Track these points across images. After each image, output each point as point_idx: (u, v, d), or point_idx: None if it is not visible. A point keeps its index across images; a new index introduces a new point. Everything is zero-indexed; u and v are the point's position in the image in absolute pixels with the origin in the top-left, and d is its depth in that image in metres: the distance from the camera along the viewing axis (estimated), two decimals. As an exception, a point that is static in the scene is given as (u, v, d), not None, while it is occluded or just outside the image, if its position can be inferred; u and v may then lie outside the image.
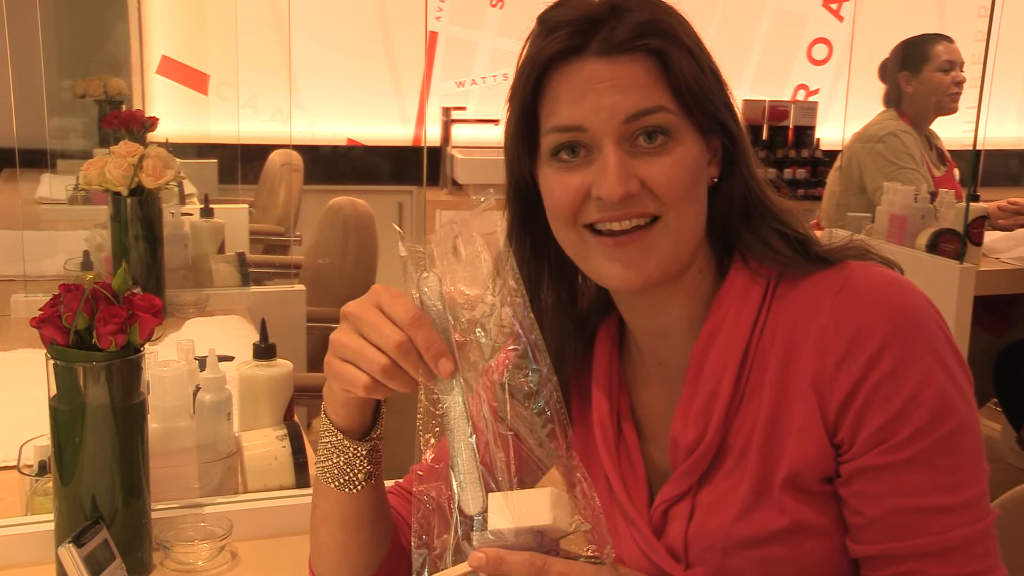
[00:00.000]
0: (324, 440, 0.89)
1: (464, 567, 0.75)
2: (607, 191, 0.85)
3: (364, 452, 0.88)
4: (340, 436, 0.88)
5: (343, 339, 0.80)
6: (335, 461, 0.88)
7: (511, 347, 0.81)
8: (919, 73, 3.28)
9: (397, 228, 0.83)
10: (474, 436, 0.77)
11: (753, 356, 0.90)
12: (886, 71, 3.42)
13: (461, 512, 0.76)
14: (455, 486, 0.77)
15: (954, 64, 3.27)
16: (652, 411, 0.98)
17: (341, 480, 0.89)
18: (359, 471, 0.88)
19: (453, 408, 0.78)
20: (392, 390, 0.81)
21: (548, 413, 0.80)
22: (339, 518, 0.91)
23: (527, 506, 0.74)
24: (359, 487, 0.89)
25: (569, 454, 0.80)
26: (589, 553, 0.77)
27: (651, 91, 0.86)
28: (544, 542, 0.75)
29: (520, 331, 0.80)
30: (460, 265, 0.81)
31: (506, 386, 0.81)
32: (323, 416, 0.89)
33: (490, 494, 0.76)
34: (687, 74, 0.87)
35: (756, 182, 0.93)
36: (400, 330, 0.78)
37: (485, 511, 0.75)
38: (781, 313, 0.89)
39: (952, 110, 3.31)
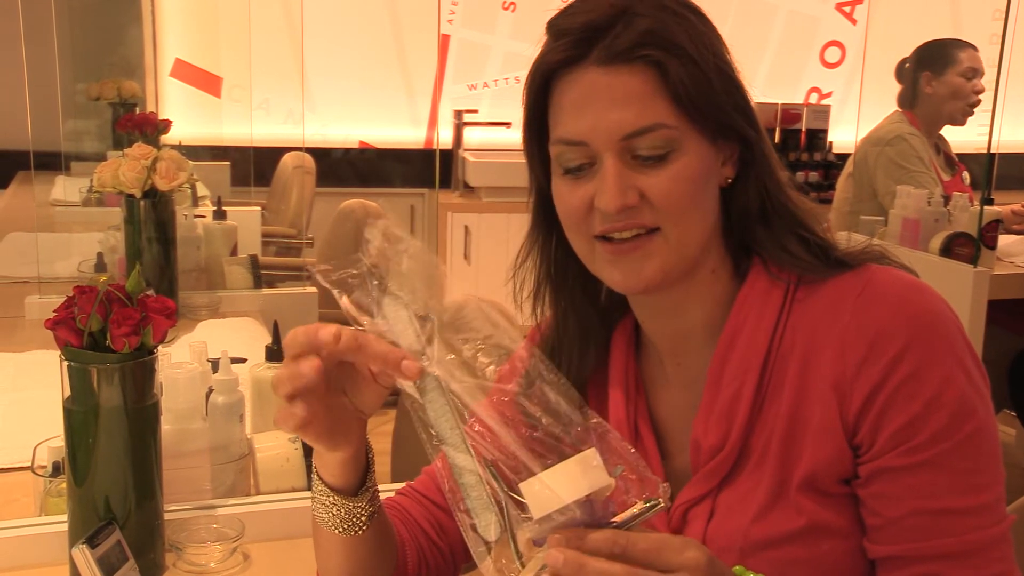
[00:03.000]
0: (321, 498, 0.88)
1: (539, 560, 0.70)
2: (605, 203, 0.86)
3: (364, 503, 0.88)
4: (337, 496, 0.87)
5: (276, 373, 0.78)
6: (335, 513, 0.88)
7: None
8: (942, 75, 3.26)
9: (312, 267, 0.79)
10: (474, 457, 0.73)
11: (774, 359, 0.90)
12: (903, 71, 3.40)
13: (481, 538, 0.72)
14: (470, 512, 0.73)
15: (976, 72, 3.25)
16: (671, 413, 0.98)
17: (344, 527, 0.88)
18: (361, 517, 0.88)
19: (446, 432, 0.74)
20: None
21: (550, 396, 0.75)
22: (344, 555, 0.91)
23: (563, 480, 0.70)
24: (363, 530, 0.89)
25: (584, 413, 0.75)
26: (644, 500, 0.73)
27: (649, 105, 0.86)
28: (596, 508, 0.71)
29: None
30: (408, 277, 0.77)
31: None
32: (315, 477, 0.88)
33: (521, 484, 0.71)
34: (687, 84, 0.86)
35: (776, 184, 0.93)
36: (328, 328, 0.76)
37: (503, 533, 0.72)
38: (801, 316, 0.90)
39: (962, 121, 3.30)
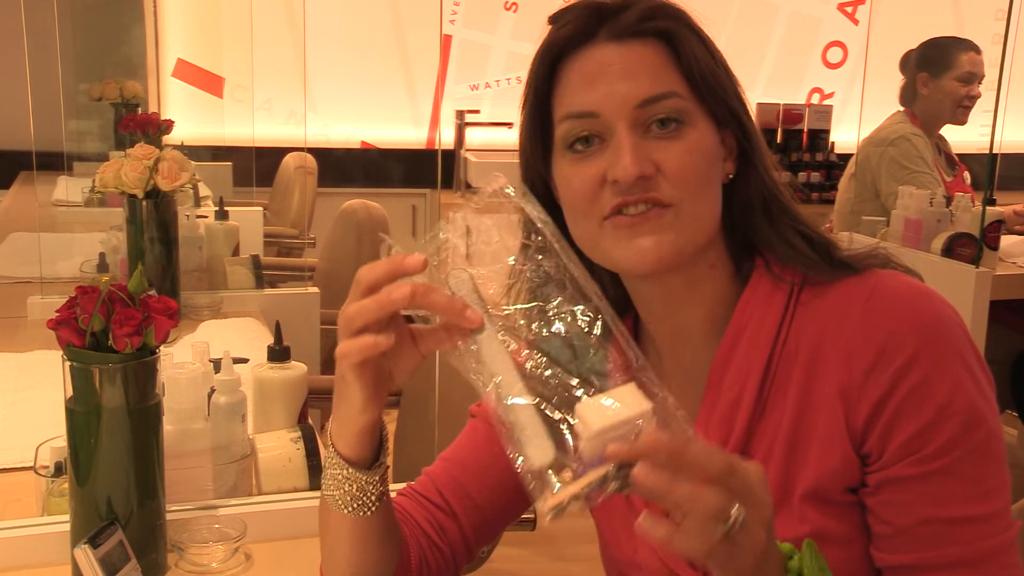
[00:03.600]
0: (334, 472, 0.88)
1: (597, 472, 0.69)
2: (622, 172, 0.84)
3: (376, 478, 0.88)
4: (351, 469, 0.87)
5: (352, 304, 0.78)
6: (347, 490, 0.88)
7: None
8: (938, 78, 3.26)
9: (385, 237, 0.81)
10: (527, 391, 0.73)
11: (777, 363, 0.89)
12: (907, 64, 3.39)
13: (528, 469, 0.71)
14: (523, 445, 0.72)
15: (974, 76, 3.25)
16: None
17: (354, 506, 0.88)
18: (371, 495, 0.88)
19: (502, 373, 0.75)
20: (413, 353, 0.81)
21: (600, 339, 0.76)
22: (352, 539, 0.91)
23: (620, 401, 0.70)
24: (372, 510, 0.89)
25: (640, 363, 0.75)
26: None
27: (662, 75, 0.87)
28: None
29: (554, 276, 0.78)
30: (477, 258, 0.80)
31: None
32: (330, 449, 0.88)
33: (578, 404, 0.71)
34: (698, 58, 0.87)
35: (773, 182, 0.93)
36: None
37: (554, 461, 0.71)
38: (806, 320, 0.89)
39: (961, 121, 3.29)
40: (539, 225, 0.79)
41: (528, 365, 0.76)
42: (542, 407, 0.73)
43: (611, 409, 0.70)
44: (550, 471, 0.71)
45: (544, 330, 0.78)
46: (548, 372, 0.75)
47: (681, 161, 0.86)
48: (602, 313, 0.77)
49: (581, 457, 0.70)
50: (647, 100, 0.86)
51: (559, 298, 0.78)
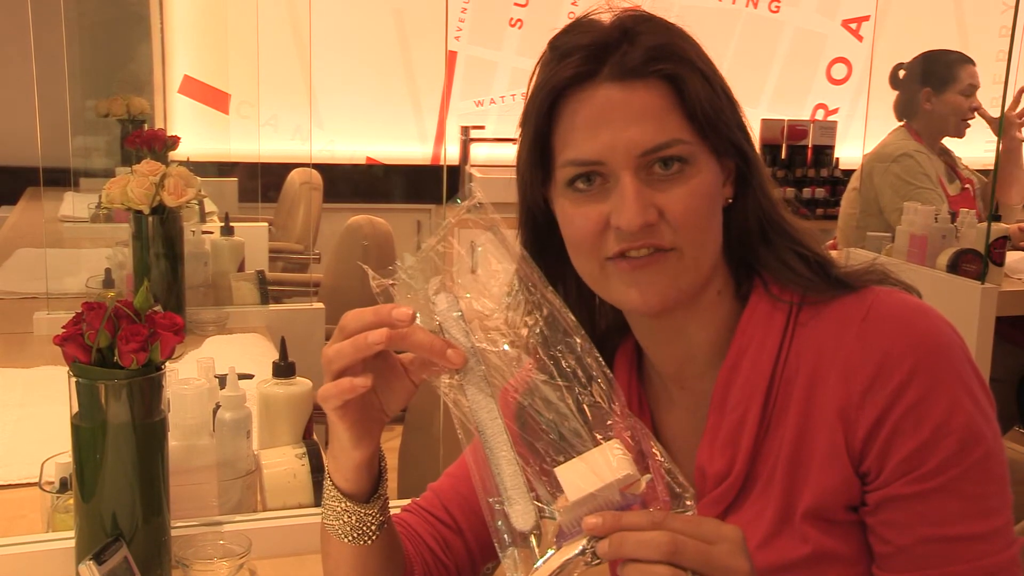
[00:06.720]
0: (332, 504, 0.89)
1: (574, 545, 0.70)
2: (626, 222, 0.84)
3: (375, 510, 0.89)
4: (349, 502, 0.88)
5: (331, 347, 0.80)
6: (346, 520, 0.88)
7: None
8: (942, 93, 3.27)
9: (364, 266, 0.82)
10: (512, 447, 0.74)
11: (778, 384, 0.89)
12: (900, 80, 3.40)
13: (512, 530, 0.73)
14: (503, 502, 0.73)
15: (974, 89, 3.27)
16: (676, 435, 0.97)
17: (353, 535, 0.89)
18: (371, 525, 0.89)
19: (486, 422, 0.75)
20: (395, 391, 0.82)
21: (588, 387, 0.77)
22: (353, 566, 0.91)
23: (599, 466, 0.71)
24: (372, 539, 0.89)
25: (623, 414, 0.76)
26: (673, 508, 0.73)
27: (666, 121, 0.85)
28: (628, 499, 0.71)
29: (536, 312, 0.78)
30: (468, 278, 0.80)
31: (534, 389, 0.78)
32: (328, 483, 0.89)
33: (556, 468, 0.72)
34: (702, 98, 0.86)
35: (770, 203, 0.92)
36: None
37: (536, 528, 0.72)
38: (805, 340, 0.89)
39: (961, 135, 3.31)
40: (530, 270, 0.80)
41: (514, 404, 0.76)
42: (525, 466, 0.74)
43: (590, 475, 0.71)
44: (533, 540, 0.72)
45: (533, 374, 0.78)
46: (533, 415, 0.75)
47: (684, 205, 0.86)
48: (592, 361, 0.77)
49: (560, 526, 0.71)
50: (652, 150, 0.85)
51: (550, 341, 0.78)
